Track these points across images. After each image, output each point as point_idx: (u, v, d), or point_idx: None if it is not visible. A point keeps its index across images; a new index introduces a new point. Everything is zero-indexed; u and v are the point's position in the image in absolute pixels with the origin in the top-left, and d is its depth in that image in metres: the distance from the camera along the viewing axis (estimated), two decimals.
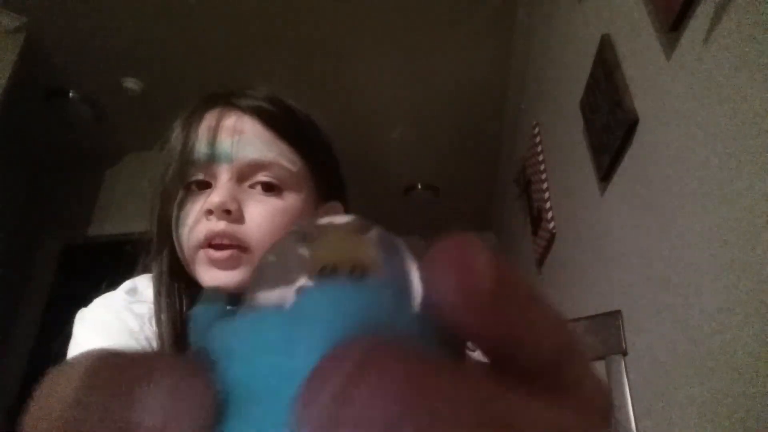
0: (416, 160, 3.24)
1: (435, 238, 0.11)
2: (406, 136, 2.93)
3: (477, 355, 0.12)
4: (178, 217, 0.52)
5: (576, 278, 1.69)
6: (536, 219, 2.17)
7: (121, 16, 2.19)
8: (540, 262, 2.21)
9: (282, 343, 0.11)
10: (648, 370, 1.06)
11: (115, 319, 0.52)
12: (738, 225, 0.76)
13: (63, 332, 0.53)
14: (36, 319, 2.67)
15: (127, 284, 0.56)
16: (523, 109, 2.45)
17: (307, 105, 0.60)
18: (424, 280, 0.12)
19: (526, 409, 0.09)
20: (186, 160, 0.52)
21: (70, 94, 2.58)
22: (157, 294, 0.53)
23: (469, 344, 0.11)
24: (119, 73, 2.50)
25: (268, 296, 0.13)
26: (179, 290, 0.53)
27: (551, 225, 1.92)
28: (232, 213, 0.49)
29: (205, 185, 0.52)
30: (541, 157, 2.06)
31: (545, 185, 2.00)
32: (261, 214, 0.51)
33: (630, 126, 1.12)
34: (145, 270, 0.57)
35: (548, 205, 1.96)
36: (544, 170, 2.03)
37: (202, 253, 0.50)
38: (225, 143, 0.51)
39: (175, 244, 0.53)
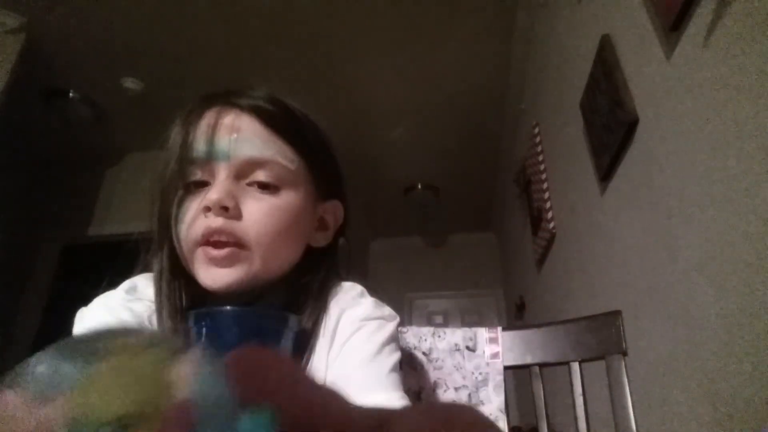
0: (416, 160, 3.24)
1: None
2: (406, 136, 2.93)
3: None
4: (177, 215, 0.52)
5: (576, 278, 1.69)
6: (536, 219, 2.17)
7: (121, 16, 2.19)
8: (540, 262, 2.21)
9: None
10: (648, 370, 1.06)
11: (114, 319, 0.52)
12: (738, 225, 0.76)
13: (63, 331, 0.53)
14: (36, 319, 2.68)
15: (126, 283, 0.56)
16: (523, 109, 2.45)
17: (308, 106, 0.60)
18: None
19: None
20: (185, 158, 0.52)
21: (70, 94, 2.59)
22: (158, 291, 0.53)
23: None
24: (119, 73, 2.50)
25: None
26: (179, 288, 0.54)
27: (551, 225, 1.92)
28: (229, 210, 0.50)
29: (204, 183, 0.52)
30: (541, 157, 2.06)
31: (545, 185, 2.00)
32: (259, 211, 0.51)
33: (630, 126, 1.12)
34: (146, 269, 0.58)
35: (548, 205, 1.96)
36: (544, 170, 2.02)
37: (200, 252, 0.50)
38: (223, 141, 0.51)
39: (175, 241, 0.53)
